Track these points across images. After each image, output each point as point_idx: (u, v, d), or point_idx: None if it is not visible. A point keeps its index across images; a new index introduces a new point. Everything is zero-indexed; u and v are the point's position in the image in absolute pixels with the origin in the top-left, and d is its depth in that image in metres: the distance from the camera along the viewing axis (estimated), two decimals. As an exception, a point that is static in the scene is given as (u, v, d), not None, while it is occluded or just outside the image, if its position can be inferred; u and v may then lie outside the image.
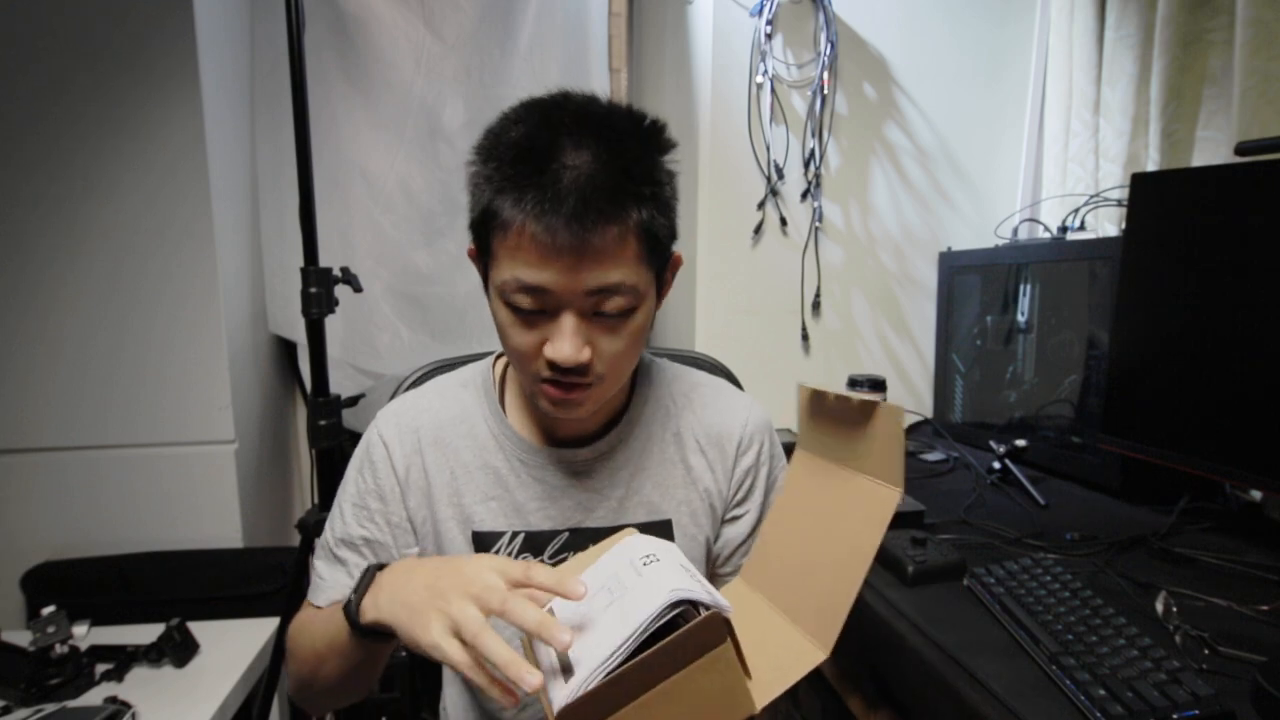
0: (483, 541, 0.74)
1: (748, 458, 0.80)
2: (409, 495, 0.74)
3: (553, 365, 0.63)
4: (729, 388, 0.85)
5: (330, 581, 0.74)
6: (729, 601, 0.52)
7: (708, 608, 0.51)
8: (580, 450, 0.75)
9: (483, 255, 0.67)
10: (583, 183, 0.58)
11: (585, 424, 0.76)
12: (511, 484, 0.74)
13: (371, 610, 0.59)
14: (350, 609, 0.60)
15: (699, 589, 0.52)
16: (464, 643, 0.51)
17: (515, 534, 0.74)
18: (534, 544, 0.74)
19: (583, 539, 0.74)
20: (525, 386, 0.71)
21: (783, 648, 0.57)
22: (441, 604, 0.53)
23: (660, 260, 0.67)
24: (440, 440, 0.75)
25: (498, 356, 0.82)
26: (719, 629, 0.50)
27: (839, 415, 0.60)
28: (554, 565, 0.71)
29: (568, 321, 0.62)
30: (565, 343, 0.62)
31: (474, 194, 0.65)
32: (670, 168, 0.66)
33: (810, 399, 0.64)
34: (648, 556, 0.57)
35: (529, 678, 0.47)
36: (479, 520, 0.74)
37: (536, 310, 0.62)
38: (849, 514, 0.58)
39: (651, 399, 0.80)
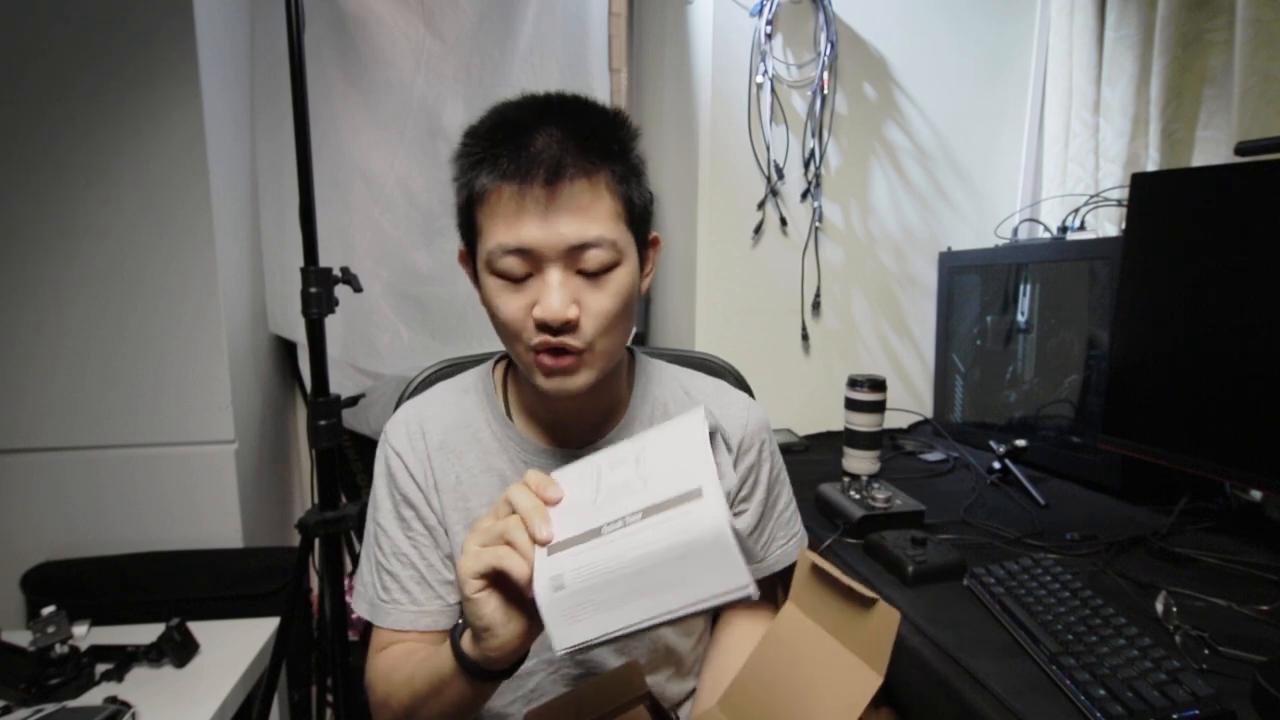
0: None
1: (749, 458, 0.81)
2: (430, 495, 0.76)
3: (543, 327, 0.64)
4: (728, 388, 0.86)
5: (390, 602, 0.75)
6: None
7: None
8: (582, 450, 0.76)
9: (469, 241, 0.69)
10: (554, 145, 0.62)
11: (587, 421, 0.77)
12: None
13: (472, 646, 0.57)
14: (464, 659, 0.58)
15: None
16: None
17: None
18: None
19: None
20: (522, 366, 0.70)
21: None
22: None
23: (639, 228, 0.69)
24: (445, 445, 0.76)
25: (496, 361, 0.83)
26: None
27: (836, 592, 0.63)
28: None
29: (553, 276, 0.63)
30: (552, 296, 0.62)
31: (458, 189, 0.67)
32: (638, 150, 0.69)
33: (811, 569, 0.67)
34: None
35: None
36: None
37: (523, 275, 0.64)
38: (832, 683, 0.61)
39: (650, 399, 0.81)
